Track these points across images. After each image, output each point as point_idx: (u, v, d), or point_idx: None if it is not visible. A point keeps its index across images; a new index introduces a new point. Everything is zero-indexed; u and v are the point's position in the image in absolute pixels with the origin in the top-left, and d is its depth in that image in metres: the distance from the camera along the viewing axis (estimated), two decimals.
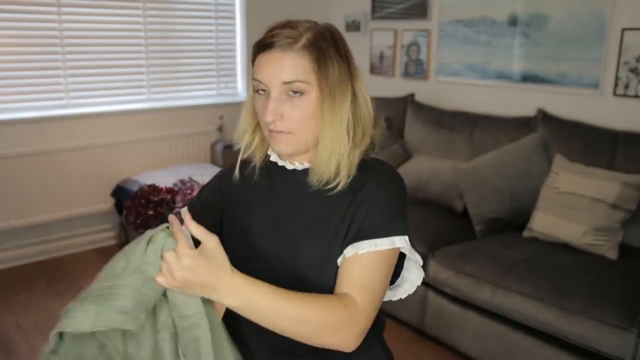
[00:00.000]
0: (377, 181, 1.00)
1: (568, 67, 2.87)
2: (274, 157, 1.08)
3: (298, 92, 0.95)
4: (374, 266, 0.95)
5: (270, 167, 1.08)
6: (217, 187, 1.16)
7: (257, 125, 1.05)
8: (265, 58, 0.96)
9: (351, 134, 0.98)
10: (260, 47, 0.97)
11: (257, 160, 1.08)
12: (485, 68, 3.25)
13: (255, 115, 1.03)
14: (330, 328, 0.89)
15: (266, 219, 1.04)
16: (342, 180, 0.98)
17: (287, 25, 0.98)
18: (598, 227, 2.31)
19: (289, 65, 0.94)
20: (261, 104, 0.98)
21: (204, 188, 1.20)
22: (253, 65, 0.99)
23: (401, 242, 0.98)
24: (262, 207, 1.06)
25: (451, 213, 2.87)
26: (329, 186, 0.99)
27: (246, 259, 1.00)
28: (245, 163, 1.10)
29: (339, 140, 0.97)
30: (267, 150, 1.08)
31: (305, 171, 1.02)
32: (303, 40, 0.95)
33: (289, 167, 1.05)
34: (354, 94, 0.99)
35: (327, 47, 0.97)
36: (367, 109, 1.01)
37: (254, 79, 0.98)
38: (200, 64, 3.90)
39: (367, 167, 1.02)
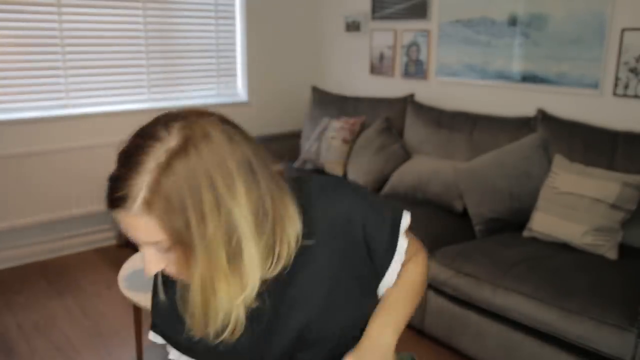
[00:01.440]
0: (335, 210, 0.89)
1: (568, 67, 2.87)
2: None
3: (166, 248, 0.75)
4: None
5: None
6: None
7: None
8: (115, 215, 0.75)
9: (264, 234, 0.78)
10: (105, 197, 0.76)
11: None
12: (485, 68, 3.25)
13: None
14: (425, 277, 1.07)
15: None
16: (289, 258, 0.84)
17: (129, 162, 0.72)
18: (598, 227, 2.31)
19: (139, 229, 0.74)
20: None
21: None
22: None
23: (405, 221, 1.01)
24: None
25: (451, 213, 2.88)
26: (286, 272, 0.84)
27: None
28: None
29: (211, 295, 0.76)
30: None
31: None
32: (141, 196, 0.71)
33: None
34: (231, 225, 0.74)
35: (174, 190, 0.70)
36: (253, 235, 0.76)
37: None
38: (200, 64, 3.90)
39: (306, 203, 0.87)
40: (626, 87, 2.65)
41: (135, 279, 2.19)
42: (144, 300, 2.03)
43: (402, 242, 0.98)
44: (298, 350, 0.91)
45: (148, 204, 0.71)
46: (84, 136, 3.43)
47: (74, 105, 3.40)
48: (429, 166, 3.06)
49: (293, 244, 0.84)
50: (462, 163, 2.92)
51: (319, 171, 3.60)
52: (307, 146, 3.72)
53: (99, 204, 3.55)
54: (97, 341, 2.55)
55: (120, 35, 3.49)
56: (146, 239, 0.74)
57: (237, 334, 0.82)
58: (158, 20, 3.63)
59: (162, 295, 0.91)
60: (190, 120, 0.75)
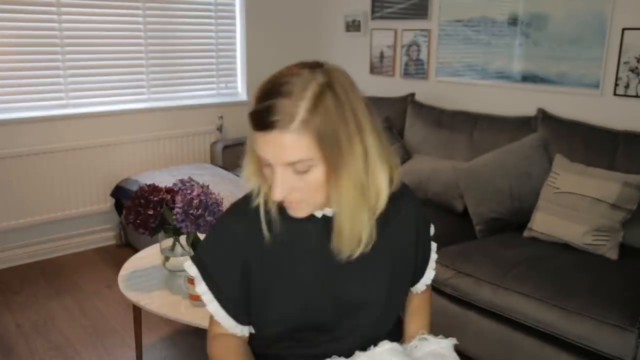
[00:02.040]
0: (412, 203, 1.10)
1: (568, 67, 2.86)
2: None
3: (303, 171, 0.87)
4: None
5: (276, 212, 0.98)
6: (235, 261, 0.99)
7: (259, 172, 0.97)
8: (262, 138, 0.86)
9: (385, 162, 0.94)
10: (254, 124, 0.87)
11: (271, 207, 0.97)
12: (485, 68, 3.25)
13: (255, 161, 0.95)
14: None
15: (317, 270, 0.99)
16: (364, 244, 0.95)
17: (280, 92, 0.85)
18: (598, 227, 2.31)
19: (290, 147, 0.85)
20: (269, 173, 0.91)
21: (217, 271, 1.01)
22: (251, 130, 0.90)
23: (433, 229, 1.22)
24: (304, 259, 0.99)
25: (451, 213, 2.87)
26: (355, 250, 0.96)
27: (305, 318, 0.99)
28: (250, 213, 0.99)
29: (357, 214, 0.92)
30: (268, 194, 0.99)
31: (325, 223, 0.98)
32: (300, 115, 0.83)
33: (299, 217, 0.96)
34: (365, 151, 0.90)
35: (328, 115, 0.85)
36: (379, 159, 0.92)
37: (258, 152, 0.90)
38: (200, 64, 3.90)
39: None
40: (627, 87, 2.65)
41: (135, 279, 2.19)
42: (144, 300, 2.03)
43: (434, 245, 1.22)
44: (356, 307, 1.01)
45: (306, 123, 0.83)
46: (84, 136, 3.43)
47: (74, 105, 3.40)
48: (429, 166, 3.05)
49: (394, 187, 0.98)
50: (462, 163, 2.91)
51: None
52: None
53: (99, 204, 3.55)
54: (97, 341, 2.54)
55: (120, 36, 3.49)
56: (292, 157, 0.85)
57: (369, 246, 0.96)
58: (158, 20, 3.63)
59: (266, 232, 0.97)
60: (327, 68, 0.90)
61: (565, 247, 2.37)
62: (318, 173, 0.88)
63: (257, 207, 0.98)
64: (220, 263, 0.99)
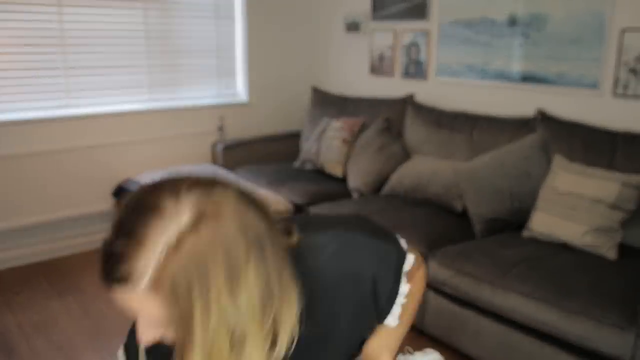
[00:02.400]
0: (335, 267, 0.87)
1: (568, 67, 2.87)
2: None
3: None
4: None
5: None
6: None
7: None
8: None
9: (268, 320, 0.72)
10: (99, 273, 0.70)
11: None
12: (485, 68, 3.25)
13: None
14: (422, 292, 1.08)
15: None
16: (290, 342, 0.76)
17: (132, 234, 0.66)
18: (598, 227, 2.31)
19: (139, 308, 0.69)
20: None
21: None
22: None
23: (408, 264, 0.99)
24: None
25: (451, 213, 2.88)
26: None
27: None
28: None
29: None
30: None
31: None
32: (149, 274, 0.65)
33: None
34: (235, 318, 0.68)
35: (184, 273, 0.65)
36: (255, 320, 0.71)
37: None
38: (200, 64, 3.90)
39: (303, 267, 0.81)
40: (626, 87, 2.65)
41: None
42: None
43: (404, 287, 0.97)
44: None
45: (154, 287, 0.65)
46: (84, 136, 3.43)
47: (74, 105, 3.41)
48: (429, 166, 3.06)
49: (293, 329, 0.77)
50: (462, 163, 2.92)
51: (319, 171, 3.60)
52: (307, 146, 3.73)
53: (99, 204, 3.56)
54: (98, 341, 2.55)
55: (120, 35, 3.49)
56: (144, 316, 0.69)
57: None
58: (158, 21, 3.63)
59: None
60: (203, 192, 0.68)
61: (565, 247, 2.38)
62: (178, 336, 0.69)
63: None
64: None
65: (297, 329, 0.76)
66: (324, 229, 0.90)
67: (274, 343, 0.74)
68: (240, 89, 4.12)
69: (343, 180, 3.45)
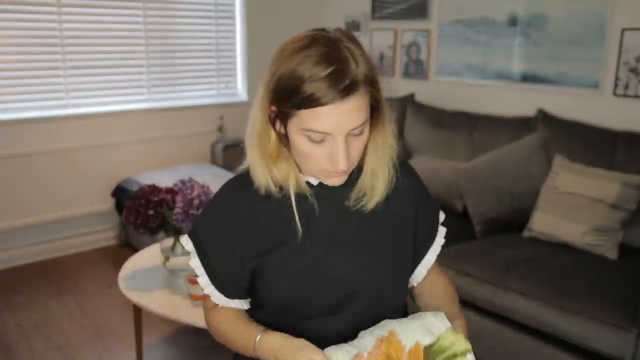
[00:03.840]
0: (412, 175, 1.08)
1: (568, 67, 2.87)
2: (306, 178, 0.98)
3: (358, 133, 0.89)
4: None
5: (308, 189, 0.97)
6: (231, 237, 0.98)
7: (277, 159, 0.95)
8: (324, 112, 0.84)
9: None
10: (313, 100, 0.83)
11: (279, 190, 0.96)
12: (485, 68, 3.25)
13: (268, 150, 0.94)
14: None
15: (319, 245, 0.97)
16: (384, 195, 0.99)
17: (336, 67, 0.84)
18: (598, 227, 2.31)
19: (355, 113, 0.86)
20: (320, 152, 0.88)
21: (214, 259, 1.00)
22: (291, 108, 0.86)
23: (442, 214, 1.18)
24: (311, 232, 0.97)
25: (451, 213, 2.87)
26: (374, 202, 0.98)
27: (314, 292, 0.97)
28: (245, 188, 0.98)
29: (388, 167, 0.98)
30: (296, 176, 0.97)
31: (345, 185, 0.97)
32: (358, 80, 0.86)
33: (329, 184, 0.96)
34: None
35: (372, 68, 0.91)
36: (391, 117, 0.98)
37: (305, 129, 0.86)
38: (200, 64, 3.90)
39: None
40: (626, 87, 2.65)
41: (136, 279, 2.19)
42: (145, 300, 2.03)
43: (442, 230, 1.16)
44: (357, 290, 0.98)
45: (365, 80, 0.87)
46: (84, 136, 3.43)
47: (74, 105, 3.40)
48: (429, 166, 3.06)
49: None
50: (462, 163, 2.92)
51: None
52: None
53: (99, 204, 3.56)
54: (97, 341, 2.55)
55: (120, 36, 3.49)
56: (359, 119, 0.87)
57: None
58: (158, 20, 3.63)
59: (296, 212, 0.95)
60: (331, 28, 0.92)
61: (565, 247, 2.37)
62: (366, 133, 0.91)
63: (256, 187, 0.96)
64: (214, 239, 0.99)
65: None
66: None
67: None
68: (240, 89, 4.12)
69: None
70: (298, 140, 0.89)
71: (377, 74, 0.92)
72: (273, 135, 0.93)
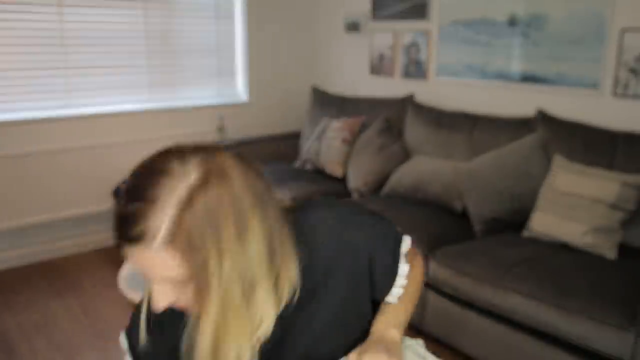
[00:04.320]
0: (337, 235, 0.92)
1: (568, 67, 2.87)
2: None
3: (182, 283, 0.74)
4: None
5: None
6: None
7: None
8: (127, 250, 0.73)
9: (274, 270, 0.79)
10: (116, 233, 0.73)
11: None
12: (485, 68, 3.25)
13: None
14: (422, 277, 1.11)
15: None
16: (292, 294, 0.84)
17: (144, 196, 0.70)
18: (598, 227, 2.31)
19: (158, 265, 0.72)
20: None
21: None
22: None
23: (405, 245, 1.03)
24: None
25: (451, 213, 2.88)
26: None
27: None
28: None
29: (226, 338, 0.75)
30: None
31: None
32: (165, 229, 0.69)
33: None
34: (245, 265, 0.74)
35: (197, 227, 0.69)
36: (265, 274, 0.77)
37: None
38: (200, 64, 3.90)
39: (303, 232, 0.88)
40: (626, 87, 2.65)
41: (136, 279, 2.20)
42: None
43: (404, 268, 1.01)
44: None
45: (170, 240, 0.69)
46: (85, 136, 3.43)
47: (75, 105, 3.41)
48: (429, 166, 3.06)
49: (294, 280, 0.83)
50: (462, 163, 2.92)
51: (319, 171, 3.60)
52: (307, 146, 3.73)
53: (99, 204, 3.56)
54: (98, 341, 2.55)
55: (121, 35, 3.49)
56: (162, 275, 0.72)
57: None
58: (158, 20, 3.63)
59: (142, 336, 0.87)
60: (206, 155, 0.73)
61: (565, 247, 2.38)
62: (194, 289, 0.74)
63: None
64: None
65: (297, 282, 0.83)
66: (324, 207, 0.96)
67: (277, 293, 0.81)
68: (240, 89, 4.12)
69: (343, 180, 3.46)
70: None
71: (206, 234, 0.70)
72: None
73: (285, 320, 0.86)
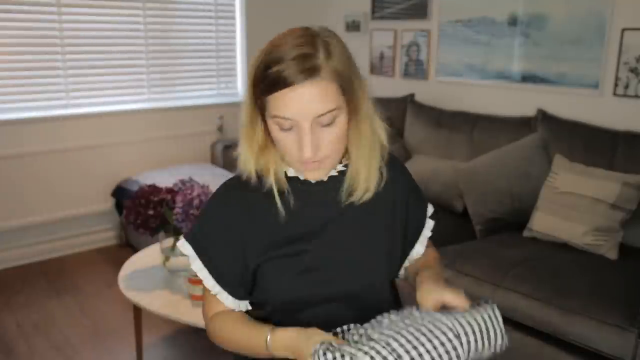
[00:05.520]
0: (401, 171, 1.10)
1: (568, 67, 2.87)
2: (292, 172, 1.00)
3: (328, 123, 0.90)
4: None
5: (287, 184, 0.99)
6: (230, 237, 0.99)
7: (264, 150, 0.98)
8: (288, 95, 0.86)
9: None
10: (278, 82, 0.87)
11: (270, 183, 0.97)
12: (485, 68, 3.25)
13: (256, 141, 0.97)
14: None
15: (314, 240, 0.98)
16: (374, 189, 1.00)
17: (302, 51, 0.87)
18: (598, 227, 2.31)
19: (319, 98, 0.87)
20: (290, 140, 0.91)
21: (214, 257, 1.01)
22: (262, 94, 0.90)
23: (431, 207, 1.19)
24: (301, 227, 0.98)
25: (451, 213, 2.88)
26: (364, 195, 0.99)
27: (305, 288, 0.98)
28: (243, 188, 0.99)
29: (374, 157, 0.98)
30: (276, 169, 0.98)
31: (334, 180, 1.00)
32: (325, 67, 0.87)
33: (309, 179, 0.98)
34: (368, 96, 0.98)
35: (347, 65, 0.92)
36: (375, 111, 1.00)
37: (274, 116, 0.89)
38: (200, 64, 3.90)
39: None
40: (626, 87, 2.65)
41: (136, 279, 2.19)
42: (144, 300, 2.03)
43: (430, 224, 1.18)
44: (351, 285, 0.99)
45: (330, 70, 0.87)
46: (84, 136, 3.43)
47: (74, 105, 3.40)
48: (429, 166, 3.06)
49: (382, 165, 1.01)
50: (462, 163, 2.92)
51: None
52: None
53: (99, 204, 3.56)
54: (97, 341, 2.55)
55: (120, 36, 3.49)
56: (323, 108, 0.87)
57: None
58: (158, 20, 3.63)
59: (280, 206, 0.97)
60: (315, 26, 0.95)
61: (565, 247, 2.37)
62: (342, 122, 0.92)
63: (253, 186, 0.97)
64: (215, 239, 0.99)
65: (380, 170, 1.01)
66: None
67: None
68: (240, 89, 4.12)
69: None
70: (272, 129, 0.92)
71: (353, 73, 0.93)
72: (260, 126, 0.96)
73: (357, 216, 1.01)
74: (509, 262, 2.26)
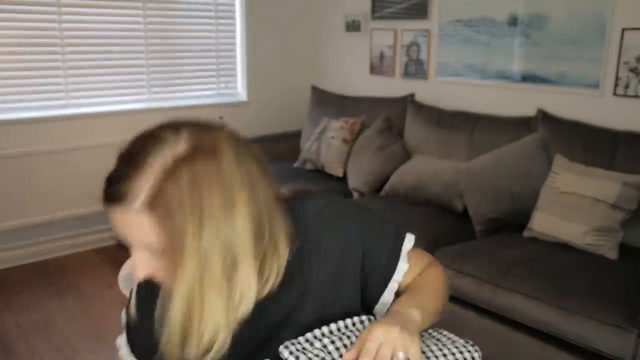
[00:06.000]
0: (334, 227, 0.90)
1: (568, 67, 2.87)
2: None
3: (159, 254, 0.74)
4: (411, 261, 0.98)
5: None
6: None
7: None
8: (110, 212, 0.76)
9: (259, 255, 0.79)
10: (102, 194, 0.77)
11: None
12: (485, 68, 3.25)
13: None
14: (445, 280, 1.02)
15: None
16: (278, 278, 0.82)
17: (134, 162, 0.73)
18: (598, 227, 2.31)
19: (135, 229, 0.73)
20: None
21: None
22: None
23: (409, 241, 0.99)
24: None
25: (451, 213, 2.87)
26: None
27: None
28: None
29: (192, 319, 0.73)
30: None
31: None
32: (145, 193, 0.71)
33: None
34: (227, 243, 0.73)
35: (175, 198, 0.70)
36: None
37: None
38: (200, 64, 3.90)
39: (301, 218, 0.87)
40: (626, 87, 2.65)
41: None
42: None
43: (402, 265, 0.97)
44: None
45: (149, 204, 0.70)
46: (84, 136, 3.43)
47: (74, 105, 3.40)
48: (429, 166, 3.05)
49: (282, 264, 0.83)
50: (462, 163, 2.92)
51: (319, 171, 3.60)
52: (307, 146, 3.72)
53: (99, 204, 3.54)
54: (97, 341, 2.55)
55: (120, 36, 3.49)
56: (138, 239, 0.74)
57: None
58: (158, 20, 3.63)
59: (132, 310, 0.88)
60: (200, 130, 0.75)
61: (565, 247, 2.37)
62: (170, 260, 0.73)
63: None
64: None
65: (283, 268, 0.82)
66: (324, 198, 0.95)
67: (263, 275, 0.80)
68: (239, 89, 4.12)
69: (343, 180, 3.45)
70: None
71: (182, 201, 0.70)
72: None
73: (271, 301, 0.84)
74: (509, 262, 2.26)
